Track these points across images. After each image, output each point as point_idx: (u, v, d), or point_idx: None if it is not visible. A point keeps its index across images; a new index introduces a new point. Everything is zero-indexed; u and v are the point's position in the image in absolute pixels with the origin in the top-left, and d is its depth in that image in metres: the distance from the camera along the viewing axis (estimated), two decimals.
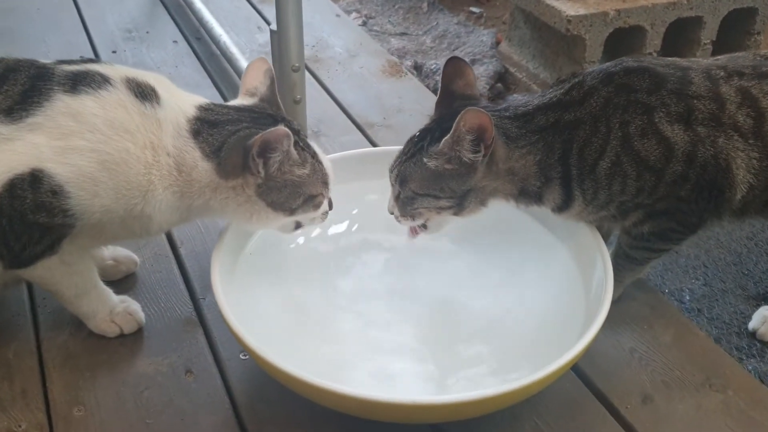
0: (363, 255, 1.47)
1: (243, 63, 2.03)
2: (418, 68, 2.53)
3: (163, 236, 1.57)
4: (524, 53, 2.62)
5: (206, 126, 1.18)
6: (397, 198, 1.29)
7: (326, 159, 1.28)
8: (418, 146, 1.25)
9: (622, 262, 1.36)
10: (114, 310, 1.33)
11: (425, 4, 3.14)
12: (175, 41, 2.42)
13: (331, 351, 1.29)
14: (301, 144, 1.22)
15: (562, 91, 1.24)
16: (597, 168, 1.21)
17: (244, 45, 2.39)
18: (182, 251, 1.55)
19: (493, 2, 3.20)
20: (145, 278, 1.47)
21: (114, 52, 2.32)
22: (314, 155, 1.24)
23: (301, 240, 1.45)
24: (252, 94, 1.28)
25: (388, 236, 1.48)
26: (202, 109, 1.20)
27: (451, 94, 1.29)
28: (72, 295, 1.28)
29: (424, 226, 1.32)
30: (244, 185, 1.18)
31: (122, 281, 1.45)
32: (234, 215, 1.23)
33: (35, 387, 1.25)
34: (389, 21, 3.05)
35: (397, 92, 2.19)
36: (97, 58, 1.24)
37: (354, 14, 3.06)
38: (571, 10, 2.25)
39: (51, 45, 2.33)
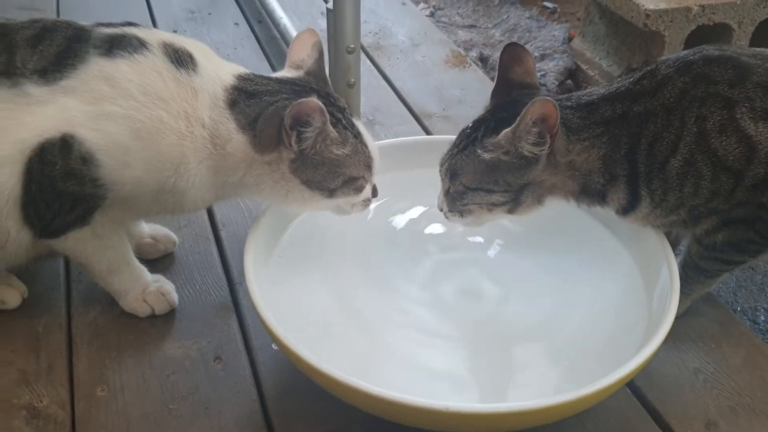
0: (411, 250, 1.38)
1: None
2: (483, 60, 2.43)
3: (205, 217, 1.53)
4: (598, 50, 2.49)
5: (244, 96, 1.12)
6: (446, 193, 1.21)
7: (372, 142, 1.20)
8: (471, 138, 1.16)
9: (690, 273, 1.24)
10: (147, 289, 1.28)
11: None
12: (236, 23, 2.39)
13: (367, 349, 1.21)
14: (344, 122, 1.15)
15: (632, 80, 1.14)
16: (667, 166, 1.10)
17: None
18: (223, 234, 1.50)
19: None
20: (183, 259, 1.43)
21: (175, 31, 2.31)
22: (358, 135, 1.17)
23: (345, 228, 1.38)
24: (298, 67, 1.22)
25: (439, 232, 1.40)
26: (242, 78, 1.15)
27: (509, 83, 1.20)
28: (104, 271, 1.24)
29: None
30: (278, 160, 1.12)
31: (159, 260, 1.41)
32: (270, 194, 1.16)
33: (61, 363, 1.21)
34: (458, 13, 2.96)
35: (460, 83, 2.10)
36: (136, 23, 1.18)
37: (422, 4, 2.98)
38: (650, 4, 2.11)
39: (115, 21, 2.33)
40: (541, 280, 1.32)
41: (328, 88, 1.23)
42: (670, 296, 1.12)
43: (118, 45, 1.09)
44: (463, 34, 2.76)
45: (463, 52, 2.31)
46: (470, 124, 1.19)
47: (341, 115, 1.15)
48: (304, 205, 1.18)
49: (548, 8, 2.98)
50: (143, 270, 1.29)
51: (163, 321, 1.29)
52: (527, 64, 1.20)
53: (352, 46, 1.61)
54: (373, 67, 2.17)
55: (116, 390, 1.17)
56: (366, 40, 2.31)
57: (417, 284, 1.32)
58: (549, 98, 1.04)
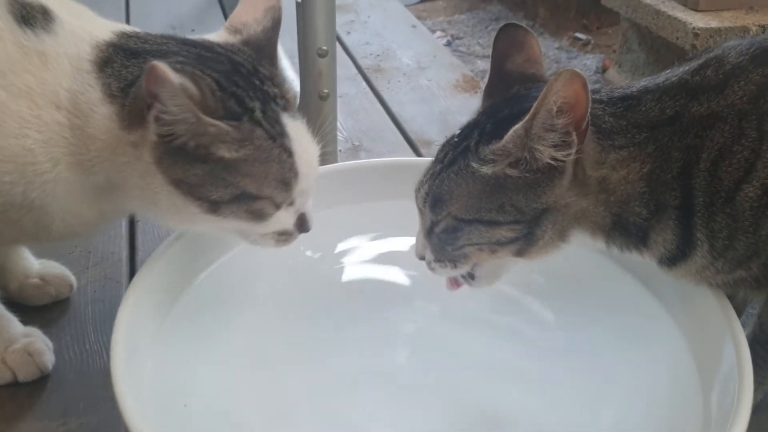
0: (373, 308, 1.04)
1: (290, 72, 1.69)
2: None
3: (124, 254, 1.20)
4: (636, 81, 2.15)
5: (122, 55, 0.79)
6: (429, 232, 0.85)
7: (310, 151, 0.85)
8: (460, 148, 0.82)
9: (763, 353, 0.88)
10: (11, 347, 0.95)
11: None
12: None
13: None
14: (257, 114, 0.79)
15: (688, 69, 0.80)
16: (738, 196, 0.76)
17: (296, 52, 2.04)
18: None
19: (603, 30, 2.75)
20: (80, 308, 1.09)
21: None
22: (278, 137, 0.81)
23: (285, 271, 1.04)
24: (236, 31, 0.87)
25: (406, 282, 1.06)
26: (125, 35, 0.82)
27: (507, 77, 0.87)
28: None
29: (471, 276, 0.88)
30: (142, 141, 0.77)
31: (48, 308, 1.08)
32: (134, 197, 0.81)
33: None
34: (478, 42, 2.66)
35: (469, 110, 1.75)
36: None
37: (439, 33, 2.69)
38: (699, 22, 1.78)
39: None
40: (548, 357, 0.96)
41: (264, 67, 0.86)
42: (740, 388, 0.76)
43: None
44: (481, 64, 2.45)
45: (476, 78, 1.99)
46: (458, 131, 0.85)
47: (258, 104, 0.80)
48: (183, 219, 0.82)
49: (580, 40, 2.66)
50: (10, 320, 0.96)
51: (28, 392, 0.95)
52: (531, 50, 0.88)
53: (324, 48, 1.29)
54: (368, 90, 1.86)
55: None
56: (365, 62, 2.03)
57: (384, 360, 0.98)
58: (578, 71, 0.70)
